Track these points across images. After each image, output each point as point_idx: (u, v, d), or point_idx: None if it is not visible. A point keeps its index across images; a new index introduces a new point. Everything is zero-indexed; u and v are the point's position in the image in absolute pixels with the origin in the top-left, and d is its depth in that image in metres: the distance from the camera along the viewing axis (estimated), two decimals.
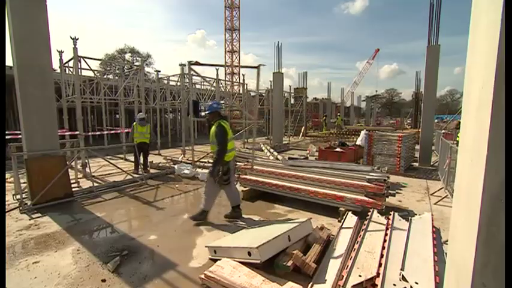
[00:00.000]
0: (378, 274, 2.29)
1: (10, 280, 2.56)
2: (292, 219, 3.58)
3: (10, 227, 3.78)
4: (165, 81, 13.48)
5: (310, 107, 27.98)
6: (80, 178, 6.30)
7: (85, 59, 8.22)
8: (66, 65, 9.05)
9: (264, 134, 19.39)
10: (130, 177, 6.26)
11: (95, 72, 9.26)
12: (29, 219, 4.06)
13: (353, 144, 8.96)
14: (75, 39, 6.57)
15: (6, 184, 5.87)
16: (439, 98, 56.13)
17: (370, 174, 4.42)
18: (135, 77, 11.50)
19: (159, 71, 12.01)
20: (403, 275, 2.28)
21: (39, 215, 4.23)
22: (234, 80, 38.41)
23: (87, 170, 6.10)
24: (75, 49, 6.66)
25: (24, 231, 3.65)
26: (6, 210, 4.39)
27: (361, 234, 3.02)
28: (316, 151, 9.20)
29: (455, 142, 6.40)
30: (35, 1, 4.62)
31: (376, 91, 63.28)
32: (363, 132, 9.13)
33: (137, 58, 33.83)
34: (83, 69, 9.27)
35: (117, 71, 10.97)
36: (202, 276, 2.45)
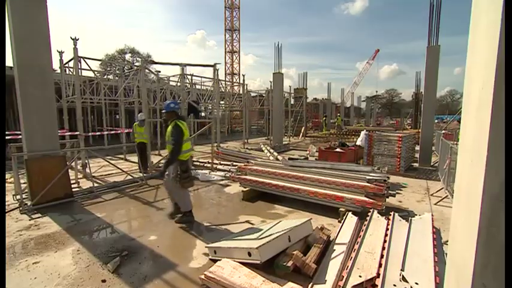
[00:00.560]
0: (378, 274, 2.28)
1: (10, 280, 2.56)
2: (292, 220, 3.58)
3: (10, 227, 3.78)
4: (165, 82, 13.49)
5: (310, 107, 28.00)
6: (80, 178, 6.30)
7: (85, 60, 8.22)
8: (67, 65, 9.05)
9: (264, 134, 19.40)
10: (131, 177, 6.26)
11: (95, 72, 9.25)
12: (29, 220, 4.06)
13: (353, 145, 8.95)
14: (75, 40, 6.57)
15: (7, 184, 5.87)
16: (439, 98, 56.15)
17: (370, 174, 4.42)
18: (135, 78, 11.51)
19: (159, 72, 12.02)
20: (403, 276, 2.28)
21: (39, 215, 4.23)
22: (234, 80, 38.45)
23: (87, 170, 6.10)
24: (75, 49, 6.66)
25: (24, 232, 3.65)
26: (6, 210, 4.39)
27: (361, 235, 3.02)
28: (316, 151, 9.20)
29: (456, 142, 6.40)
30: (35, 1, 4.62)
31: (376, 91, 63.39)
32: (362, 133, 9.12)
33: (137, 58, 33.82)
34: (83, 69, 9.28)
35: (117, 72, 10.95)
36: (202, 276, 2.45)
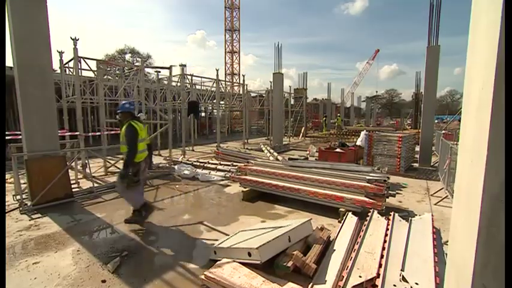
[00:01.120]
0: (378, 275, 2.28)
1: (10, 281, 2.56)
2: (292, 220, 3.57)
3: (10, 227, 3.78)
4: (165, 82, 13.49)
5: (310, 107, 28.00)
6: (80, 178, 6.30)
7: (85, 60, 8.22)
8: (67, 65, 9.05)
9: (264, 134, 19.40)
10: None
11: (95, 72, 9.25)
12: (29, 220, 4.06)
13: (353, 145, 8.95)
14: (75, 40, 6.57)
15: (7, 185, 5.87)
16: (439, 98, 56.13)
17: (370, 174, 4.41)
18: (135, 78, 11.51)
19: (159, 72, 12.02)
20: (403, 276, 2.28)
21: (39, 215, 4.23)
22: (234, 80, 38.47)
23: (87, 170, 6.10)
24: (75, 50, 6.66)
25: (24, 232, 3.65)
26: (6, 210, 4.39)
27: (361, 235, 3.02)
28: (316, 152, 9.20)
29: (456, 142, 6.40)
30: (35, 1, 4.63)
31: (376, 91, 63.35)
32: (362, 133, 9.12)
33: (137, 59, 33.85)
34: (83, 69, 9.28)
35: (117, 72, 10.96)
36: (203, 277, 2.45)
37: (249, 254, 2.58)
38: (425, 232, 3.14)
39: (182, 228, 3.83)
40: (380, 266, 2.41)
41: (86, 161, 6.34)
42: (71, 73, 9.55)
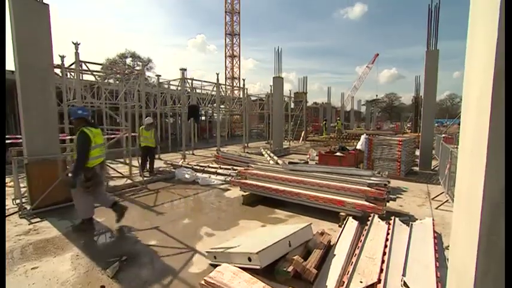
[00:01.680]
0: (379, 280, 2.26)
1: (8, 286, 2.54)
2: (293, 225, 3.56)
3: (9, 231, 3.77)
4: (166, 86, 13.56)
5: (310, 111, 28.03)
6: None
7: (86, 64, 8.25)
8: (68, 69, 9.09)
9: (264, 138, 19.40)
10: (130, 181, 6.25)
11: (96, 76, 9.29)
12: (28, 224, 4.04)
13: (353, 149, 8.95)
14: (76, 44, 6.61)
15: (6, 188, 5.86)
16: (439, 102, 56.23)
17: (371, 178, 4.41)
18: (136, 82, 11.57)
19: (160, 75, 12.10)
20: (404, 281, 2.26)
21: (39, 219, 4.21)
22: (234, 84, 38.62)
23: None
24: (76, 54, 6.70)
25: (23, 236, 3.63)
26: (6, 215, 4.37)
27: (362, 240, 3.00)
28: (317, 155, 9.19)
29: (456, 146, 6.39)
30: (38, 7, 4.68)
31: (376, 95, 63.40)
32: (363, 137, 9.12)
33: (138, 63, 34.06)
34: (84, 71, 9.31)
35: (118, 76, 11.04)
36: (202, 282, 2.43)
37: (249, 259, 2.56)
38: (427, 237, 3.12)
39: (182, 232, 3.81)
40: (381, 271, 2.40)
41: None
42: (72, 77, 9.59)
